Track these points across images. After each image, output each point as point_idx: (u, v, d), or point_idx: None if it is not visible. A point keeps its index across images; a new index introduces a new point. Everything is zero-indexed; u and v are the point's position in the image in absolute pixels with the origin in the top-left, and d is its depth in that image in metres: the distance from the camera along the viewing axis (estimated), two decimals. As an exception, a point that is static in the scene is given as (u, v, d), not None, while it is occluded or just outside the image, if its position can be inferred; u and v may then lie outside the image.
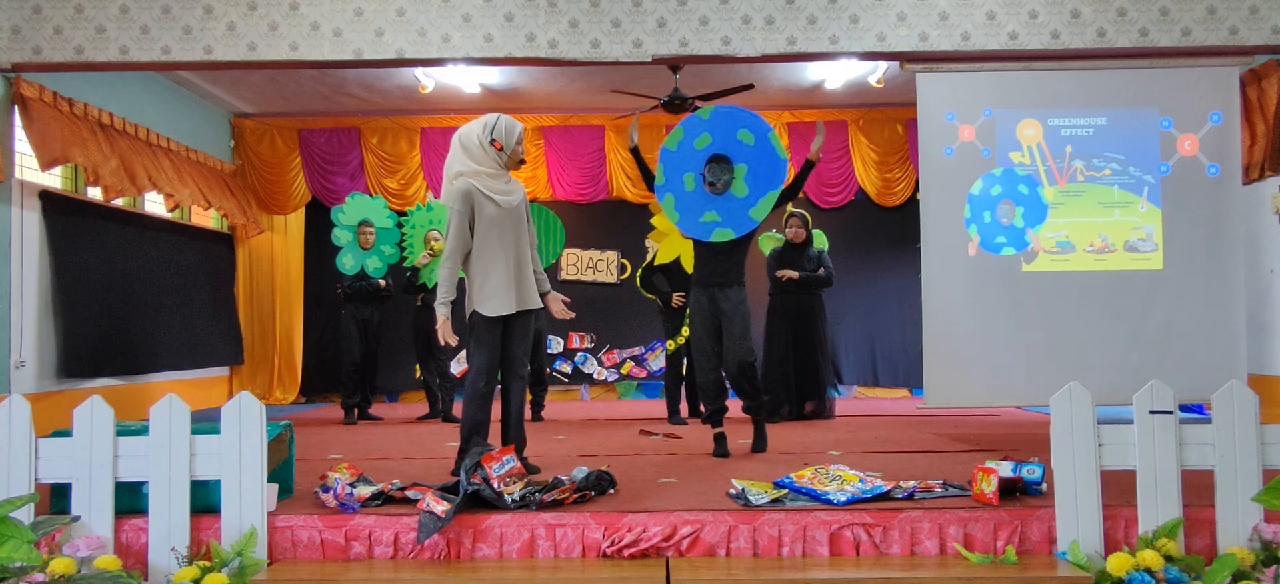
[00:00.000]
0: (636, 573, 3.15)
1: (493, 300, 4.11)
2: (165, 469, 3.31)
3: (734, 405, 5.36)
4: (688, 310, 6.74)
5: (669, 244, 6.89)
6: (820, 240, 7.42)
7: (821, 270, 6.98)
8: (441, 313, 4.12)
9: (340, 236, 7.41)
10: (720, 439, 5.02)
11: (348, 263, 7.37)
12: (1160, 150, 5.73)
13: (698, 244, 5.04)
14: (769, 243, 7.51)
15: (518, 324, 4.25)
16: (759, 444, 5.13)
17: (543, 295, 4.39)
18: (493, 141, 4.14)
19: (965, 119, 5.77)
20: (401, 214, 8.07)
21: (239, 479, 3.32)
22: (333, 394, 9.43)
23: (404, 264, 7.56)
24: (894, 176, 9.67)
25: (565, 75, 8.22)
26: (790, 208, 7.19)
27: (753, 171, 4.86)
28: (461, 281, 4.24)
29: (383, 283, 7.45)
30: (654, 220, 7.38)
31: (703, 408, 5.16)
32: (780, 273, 6.93)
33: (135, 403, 6.93)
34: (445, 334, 4.14)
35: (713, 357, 5.03)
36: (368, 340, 7.42)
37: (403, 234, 7.63)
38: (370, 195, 8.59)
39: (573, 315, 4.51)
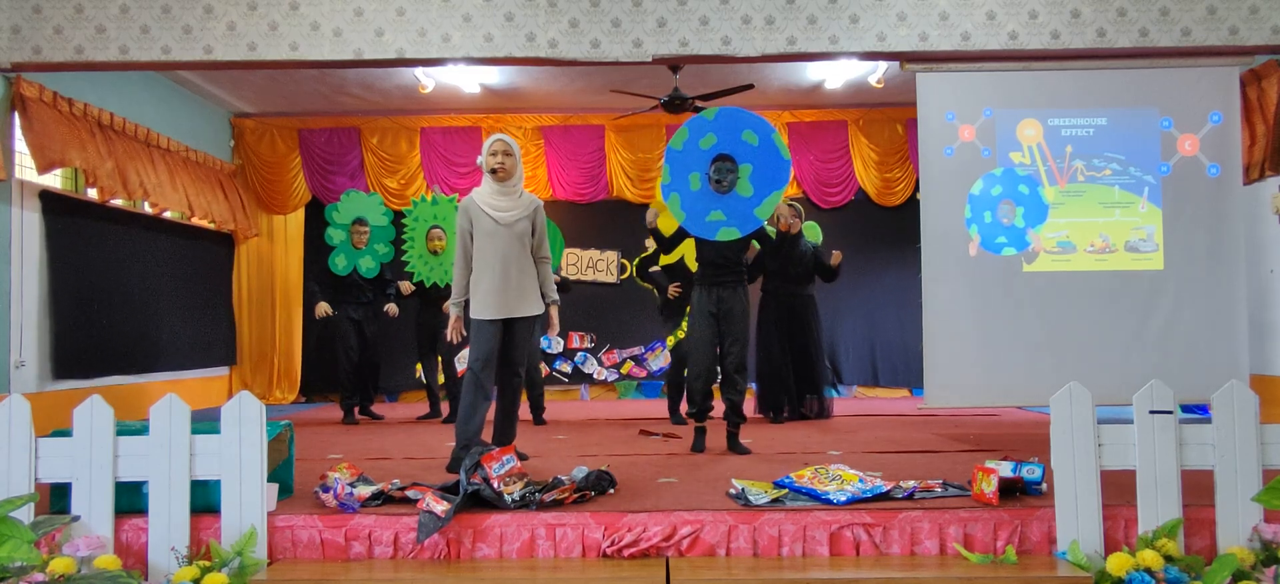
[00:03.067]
0: (636, 573, 3.15)
1: (479, 304, 4.48)
2: (165, 469, 3.31)
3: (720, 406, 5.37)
4: (686, 306, 6.76)
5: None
6: (814, 233, 7.39)
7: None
8: (452, 312, 4.58)
9: (334, 236, 7.33)
10: (701, 433, 5.17)
11: (340, 263, 7.29)
12: (1160, 150, 5.73)
13: (701, 243, 5.14)
14: None
15: (518, 329, 4.54)
16: (735, 447, 5.13)
17: (548, 305, 4.69)
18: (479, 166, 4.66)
19: (965, 119, 5.77)
20: (398, 213, 7.97)
21: (239, 479, 3.32)
22: (333, 394, 9.41)
23: (403, 261, 7.44)
24: (894, 176, 9.67)
25: (565, 75, 8.22)
26: (786, 199, 7.25)
27: (757, 171, 4.94)
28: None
29: (373, 279, 7.39)
30: (660, 223, 7.36)
31: (689, 403, 5.18)
32: (834, 255, 6.82)
33: (135, 403, 6.93)
34: (452, 331, 4.58)
35: (709, 355, 5.12)
36: (363, 340, 7.39)
37: (402, 232, 7.57)
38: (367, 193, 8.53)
39: (557, 336, 4.78)
